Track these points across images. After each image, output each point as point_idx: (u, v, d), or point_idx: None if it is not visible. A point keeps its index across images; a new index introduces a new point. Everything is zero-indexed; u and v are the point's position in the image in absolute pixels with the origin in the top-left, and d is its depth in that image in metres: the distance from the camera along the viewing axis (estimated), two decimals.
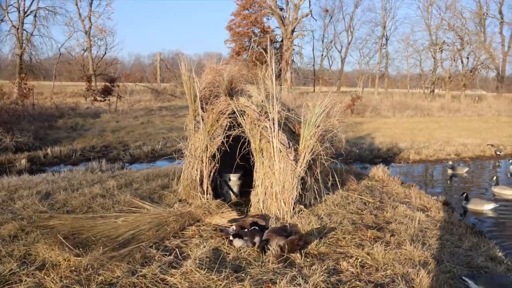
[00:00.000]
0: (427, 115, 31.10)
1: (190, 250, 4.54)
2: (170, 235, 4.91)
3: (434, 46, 43.77)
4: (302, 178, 6.14)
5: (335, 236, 5.39)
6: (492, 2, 47.23)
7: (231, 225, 5.25)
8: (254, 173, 6.05)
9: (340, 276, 4.18)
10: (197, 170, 6.27)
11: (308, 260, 4.57)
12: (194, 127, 6.34)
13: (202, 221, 5.51)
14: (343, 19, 50.52)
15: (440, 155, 15.58)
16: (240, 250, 4.72)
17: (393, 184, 9.51)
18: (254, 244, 4.84)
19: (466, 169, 12.90)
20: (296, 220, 5.81)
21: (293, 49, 38.52)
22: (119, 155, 12.73)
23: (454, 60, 43.27)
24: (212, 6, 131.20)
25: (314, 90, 48.01)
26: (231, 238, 4.87)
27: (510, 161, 13.82)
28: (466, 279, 4.25)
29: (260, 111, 6.04)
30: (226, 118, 6.14)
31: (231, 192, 6.95)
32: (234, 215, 5.74)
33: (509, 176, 12.84)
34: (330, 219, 6.01)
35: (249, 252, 4.70)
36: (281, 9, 38.08)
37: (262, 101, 6.38)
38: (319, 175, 6.45)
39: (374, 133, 19.21)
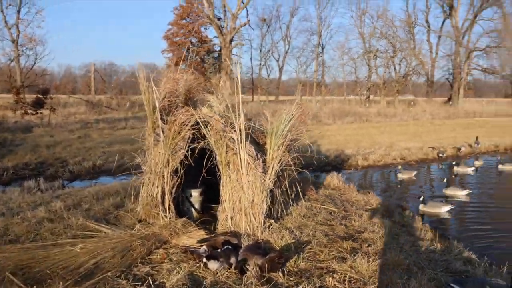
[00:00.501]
0: (366, 121, 32.05)
1: (164, 278, 4.11)
2: (137, 261, 4.44)
3: (368, 53, 45.44)
4: (271, 191, 5.88)
5: (311, 250, 5.17)
6: (419, 12, 50.13)
7: (202, 246, 4.88)
8: (221, 188, 5.71)
9: None
10: (158, 187, 5.81)
11: (292, 278, 4.30)
12: (154, 140, 5.89)
13: (169, 242, 5.07)
14: (280, 28, 51.09)
15: (387, 160, 15.97)
16: (217, 273, 4.36)
17: (350, 192, 9.49)
18: (230, 265, 4.49)
19: (415, 172, 13.26)
20: (267, 236, 5.54)
21: (232, 58, 38.42)
22: (57, 172, 11.82)
23: (388, 67, 45.20)
24: (146, 15, 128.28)
25: (252, 99, 48.15)
26: (205, 260, 4.50)
27: (454, 162, 14.40)
28: (455, 286, 4.18)
29: (224, 122, 5.72)
30: (188, 129, 5.75)
31: (192, 209, 6.55)
32: (202, 234, 5.36)
33: (453, 177, 13.34)
34: (301, 232, 5.79)
35: (227, 275, 4.35)
36: (219, 18, 37.88)
37: (224, 111, 6.09)
38: (287, 187, 6.23)
39: (319, 140, 19.35)
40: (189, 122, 5.73)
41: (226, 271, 4.41)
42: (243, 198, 5.57)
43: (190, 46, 40.16)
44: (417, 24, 46.31)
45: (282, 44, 51.84)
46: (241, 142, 5.49)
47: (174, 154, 5.77)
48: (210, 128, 5.64)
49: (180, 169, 5.78)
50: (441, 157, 16.64)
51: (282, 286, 4.12)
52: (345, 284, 4.19)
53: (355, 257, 4.81)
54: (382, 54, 44.37)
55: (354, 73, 47.19)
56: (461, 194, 10.52)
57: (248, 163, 5.54)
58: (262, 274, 4.30)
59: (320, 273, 4.50)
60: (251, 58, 58.33)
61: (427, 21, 47.05)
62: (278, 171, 5.86)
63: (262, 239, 5.38)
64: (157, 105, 5.82)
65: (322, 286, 4.16)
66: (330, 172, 11.32)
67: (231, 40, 37.03)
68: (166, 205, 5.84)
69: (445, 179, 11.16)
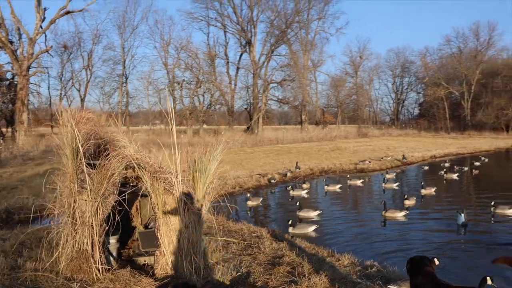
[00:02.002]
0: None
1: None
2: None
3: (174, 84, 46.98)
4: None
5: (259, 279, 5.63)
6: (219, 46, 53.77)
7: None
8: (158, 231, 5.72)
9: None
10: (86, 238, 5.46)
11: None
12: (78, 187, 5.53)
13: None
14: (81, 56, 48.65)
15: (227, 189, 17.03)
16: None
17: (224, 222, 10.12)
18: None
19: (261, 199, 14.63)
20: (210, 273, 5.77)
21: (30, 88, 35.03)
22: None
23: (193, 97, 47.41)
24: None
25: (52, 133, 44.59)
26: None
27: (289, 186, 16.32)
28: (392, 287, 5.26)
29: (156, 163, 5.79)
30: (119, 173, 5.62)
31: (111, 258, 6.27)
32: (151, 281, 5.30)
33: (290, 200, 15.17)
34: (234, 265, 6.17)
35: None
36: (11, 42, 34.13)
37: (140, 151, 6.12)
38: (214, 222, 6.54)
39: None
40: (120, 165, 5.62)
41: None
42: (182, 239, 5.70)
43: None
44: (218, 57, 50.06)
45: (85, 73, 49.47)
46: (178, 183, 5.66)
47: (104, 201, 5.55)
48: (145, 170, 5.63)
49: (116, 216, 5.58)
50: (272, 182, 18.58)
51: None
52: None
53: (303, 279, 5.47)
54: (188, 85, 46.49)
55: (159, 103, 48.02)
56: (313, 214, 12.21)
57: (185, 203, 5.72)
58: None
59: None
60: (49, 88, 53.99)
61: (226, 54, 51.32)
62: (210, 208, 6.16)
63: (207, 277, 5.60)
64: (80, 149, 5.52)
65: None
66: None
67: (28, 67, 33.81)
68: (97, 257, 5.53)
69: (298, 203, 12.73)
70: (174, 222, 5.70)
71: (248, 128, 50.72)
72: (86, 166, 5.56)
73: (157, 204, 5.69)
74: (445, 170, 21.00)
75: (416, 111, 79.66)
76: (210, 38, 51.02)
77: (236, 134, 45.04)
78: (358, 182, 18.52)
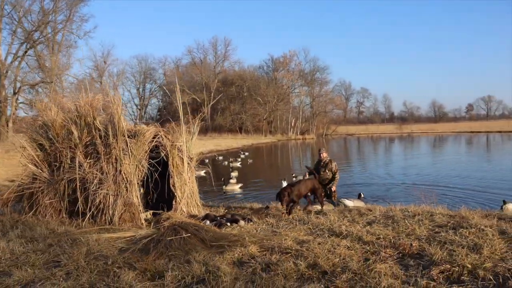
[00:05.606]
0: None
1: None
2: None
3: None
4: None
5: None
6: None
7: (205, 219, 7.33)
8: (172, 185, 7.89)
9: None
10: (134, 193, 7.28)
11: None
12: (122, 153, 7.26)
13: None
14: None
15: None
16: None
17: None
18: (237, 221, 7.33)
19: None
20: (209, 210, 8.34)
21: None
22: None
23: None
24: None
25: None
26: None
27: None
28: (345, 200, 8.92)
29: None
30: (149, 142, 7.60)
31: None
32: (185, 217, 7.55)
33: None
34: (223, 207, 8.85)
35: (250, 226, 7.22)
36: None
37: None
38: None
39: None
40: (150, 136, 7.63)
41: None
42: (187, 190, 8.08)
43: None
44: None
45: None
46: (185, 149, 8.03)
47: (140, 163, 7.46)
48: (167, 140, 7.78)
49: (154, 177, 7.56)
50: None
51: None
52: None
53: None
54: None
55: None
56: (237, 187, 15.44)
57: (188, 164, 8.13)
58: (259, 220, 7.52)
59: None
60: None
61: None
62: None
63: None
64: (124, 126, 7.35)
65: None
66: None
67: None
68: (141, 207, 7.40)
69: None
70: (184, 178, 8.03)
71: None
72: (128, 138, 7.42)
73: (173, 164, 7.91)
74: (231, 160, 25.87)
75: (157, 116, 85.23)
76: None
77: None
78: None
